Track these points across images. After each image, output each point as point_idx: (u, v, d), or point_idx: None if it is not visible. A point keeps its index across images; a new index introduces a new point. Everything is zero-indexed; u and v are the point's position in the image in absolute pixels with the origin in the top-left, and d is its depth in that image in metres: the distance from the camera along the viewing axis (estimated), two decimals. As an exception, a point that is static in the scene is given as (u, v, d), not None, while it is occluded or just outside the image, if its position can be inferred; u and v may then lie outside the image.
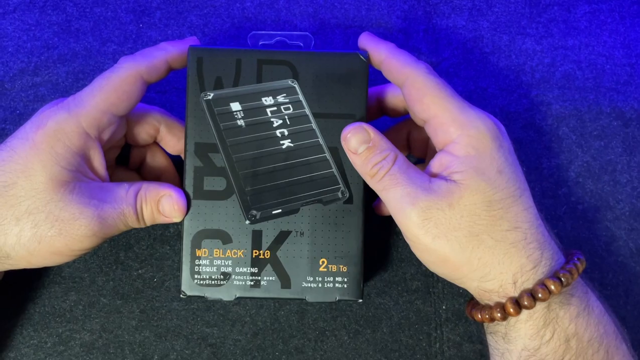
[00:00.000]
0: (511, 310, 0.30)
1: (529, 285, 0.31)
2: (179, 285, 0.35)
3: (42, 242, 0.32)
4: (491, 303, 0.32)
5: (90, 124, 0.33)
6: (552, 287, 0.30)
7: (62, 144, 0.32)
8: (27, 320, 0.40)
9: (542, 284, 0.30)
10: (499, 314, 0.31)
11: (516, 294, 0.31)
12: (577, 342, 0.31)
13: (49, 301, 0.40)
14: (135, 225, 0.35)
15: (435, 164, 0.32)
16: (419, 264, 0.41)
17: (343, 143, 0.34)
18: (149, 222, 0.35)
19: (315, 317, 0.41)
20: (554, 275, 0.31)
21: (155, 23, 0.45)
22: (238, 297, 0.35)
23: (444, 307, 0.41)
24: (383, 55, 0.35)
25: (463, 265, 0.31)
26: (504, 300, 0.31)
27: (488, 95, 0.44)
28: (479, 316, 0.32)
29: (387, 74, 0.35)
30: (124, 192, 0.34)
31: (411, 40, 0.44)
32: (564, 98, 0.43)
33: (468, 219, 0.30)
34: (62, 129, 0.33)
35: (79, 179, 0.33)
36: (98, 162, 0.34)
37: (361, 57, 0.36)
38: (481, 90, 0.43)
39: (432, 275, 0.41)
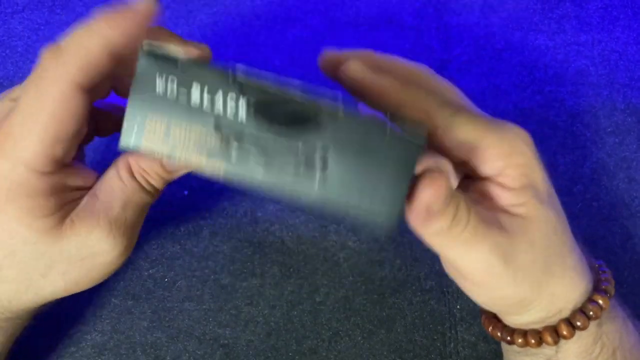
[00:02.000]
0: (565, 333, 0.28)
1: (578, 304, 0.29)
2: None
3: (80, 283, 0.29)
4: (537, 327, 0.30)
5: (43, 162, 0.26)
6: (601, 302, 0.28)
7: (25, 197, 0.26)
8: (38, 321, 0.40)
9: (592, 300, 0.29)
10: (550, 338, 0.29)
11: (567, 315, 0.29)
12: (621, 352, 0.30)
13: (59, 302, 0.40)
14: (152, 200, 0.30)
15: (486, 198, 0.29)
16: (432, 263, 0.41)
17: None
18: (163, 187, 0.30)
19: (329, 317, 0.40)
20: (601, 289, 0.29)
21: (164, 21, 0.44)
22: None
23: (458, 306, 0.40)
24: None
25: (534, 301, 0.28)
26: (553, 323, 0.29)
27: (501, 92, 0.43)
28: (521, 340, 0.30)
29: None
30: (117, 181, 0.28)
31: (423, 37, 0.44)
32: (578, 94, 0.43)
33: (543, 253, 0.28)
34: (16, 183, 0.26)
35: (70, 208, 0.28)
36: (77, 179, 0.28)
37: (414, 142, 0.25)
38: (494, 87, 0.43)
39: (446, 275, 0.41)
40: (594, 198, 0.42)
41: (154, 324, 0.40)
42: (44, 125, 0.25)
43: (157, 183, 0.29)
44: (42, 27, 0.44)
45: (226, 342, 0.40)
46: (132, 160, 0.28)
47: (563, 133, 0.42)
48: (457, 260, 0.28)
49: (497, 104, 0.43)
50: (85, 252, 0.27)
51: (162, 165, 0.28)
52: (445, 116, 0.27)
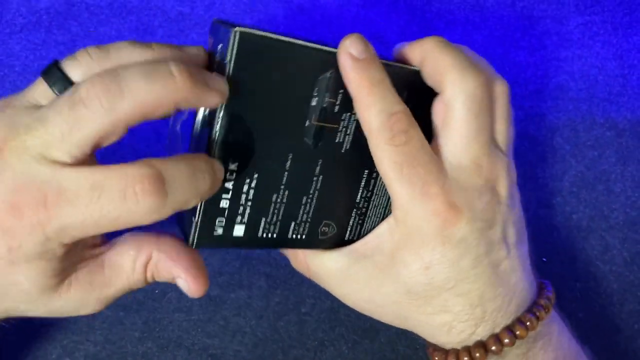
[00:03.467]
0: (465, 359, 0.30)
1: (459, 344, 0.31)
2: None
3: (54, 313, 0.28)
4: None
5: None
6: (477, 355, 0.29)
7: (44, 260, 0.25)
8: (32, 332, 0.41)
9: (466, 348, 0.30)
10: (436, 358, 0.32)
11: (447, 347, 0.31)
12: None
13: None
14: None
15: (379, 230, 0.31)
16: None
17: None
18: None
19: (315, 328, 0.41)
20: (482, 343, 0.30)
21: (157, 41, 0.46)
22: None
23: (441, 316, 0.42)
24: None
25: (414, 328, 0.32)
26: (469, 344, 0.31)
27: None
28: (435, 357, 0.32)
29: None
30: (129, 263, 0.27)
31: (406, 54, 0.45)
32: (558, 109, 0.44)
33: (393, 306, 0.31)
34: (42, 250, 0.24)
35: (75, 266, 0.27)
36: (91, 239, 0.27)
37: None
38: (476, 103, 0.44)
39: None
40: (574, 210, 0.43)
41: (145, 335, 0.41)
42: None
43: (162, 279, 0.28)
44: (39, 47, 0.45)
45: (214, 352, 0.41)
46: (156, 256, 0.27)
47: (543, 147, 0.43)
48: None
49: (478, 119, 0.44)
50: (66, 309, 0.27)
51: (187, 271, 0.28)
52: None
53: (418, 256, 0.29)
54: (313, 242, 0.31)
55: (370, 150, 0.28)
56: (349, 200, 0.31)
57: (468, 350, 0.30)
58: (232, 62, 0.25)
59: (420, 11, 0.46)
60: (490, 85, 0.30)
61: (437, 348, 0.32)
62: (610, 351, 0.38)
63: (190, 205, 0.24)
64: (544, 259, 0.42)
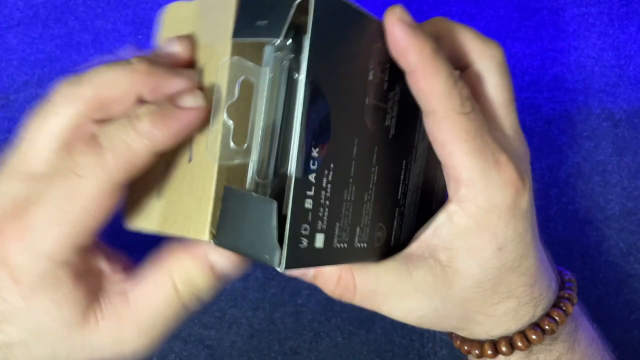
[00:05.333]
0: (489, 352, 0.29)
1: (510, 332, 0.29)
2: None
3: None
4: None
5: (66, 252, 0.23)
6: (534, 337, 0.28)
7: (49, 288, 0.24)
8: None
9: (523, 332, 0.28)
10: (476, 351, 0.29)
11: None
12: None
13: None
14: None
15: (437, 223, 0.27)
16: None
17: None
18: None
19: (310, 319, 0.41)
20: (538, 325, 0.28)
21: (153, 34, 0.46)
22: None
23: (437, 308, 0.42)
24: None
25: (452, 328, 0.30)
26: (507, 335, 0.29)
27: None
28: (465, 348, 0.30)
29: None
30: (154, 288, 0.25)
31: (402, 46, 0.45)
32: (554, 100, 0.44)
33: (460, 307, 0.28)
34: (38, 276, 0.23)
35: (96, 293, 0.25)
36: (102, 262, 0.26)
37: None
38: (472, 94, 0.44)
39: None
40: (570, 202, 0.43)
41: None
42: (74, 221, 0.23)
43: (201, 284, 0.26)
44: (36, 41, 0.46)
45: (211, 343, 0.41)
46: (177, 266, 0.25)
47: (539, 138, 0.43)
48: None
49: (474, 111, 0.44)
50: (105, 346, 0.25)
51: (213, 269, 0.25)
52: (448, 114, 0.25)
53: (492, 236, 0.26)
54: (370, 251, 0.27)
55: (433, 124, 0.25)
56: (393, 197, 0.28)
57: (523, 333, 0.28)
58: (311, 25, 0.21)
59: (416, 3, 0.46)
60: None
61: (476, 340, 0.30)
62: (607, 341, 0.38)
63: (140, 151, 0.23)
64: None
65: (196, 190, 0.24)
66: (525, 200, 0.26)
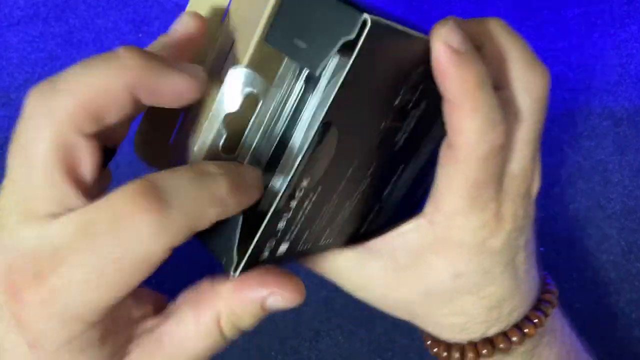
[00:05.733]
0: (443, 354, 0.29)
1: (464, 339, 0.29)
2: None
3: None
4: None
5: (95, 314, 0.19)
6: (484, 352, 0.28)
7: (77, 352, 0.20)
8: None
9: (474, 344, 0.28)
10: (434, 349, 0.30)
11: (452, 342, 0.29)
12: None
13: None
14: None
15: (405, 228, 0.27)
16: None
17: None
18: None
19: (311, 318, 0.41)
20: (491, 341, 0.28)
21: (154, 33, 0.46)
22: None
23: (438, 307, 0.42)
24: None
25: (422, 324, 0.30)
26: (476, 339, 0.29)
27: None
28: (428, 343, 0.31)
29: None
30: (192, 327, 0.21)
31: (403, 44, 0.45)
32: (555, 99, 0.44)
33: (405, 305, 0.28)
34: (66, 340, 0.19)
35: (129, 344, 0.22)
36: (135, 309, 0.22)
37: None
38: (473, 93, 0.44)
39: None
40: (571, 200, 0.43)
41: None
42: (113, 284, 0.18)
43: (249, 323, 0.22)
44: (37, 39, 0.46)
45: (211, 341, 0.41)
46: (224, 306, 0.21)
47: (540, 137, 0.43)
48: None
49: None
50: None
51: (264, 308, 0.22)
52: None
53: (451, 264, 0.26)
54: (337, 242, 0.27)
55: (448, 157, 0.24)
56: (377, 198, 0.28)
57: (474, 346, 0.28)
58: (357, 52, 0.18)
59: (417, 1, 0.46)
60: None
61: (436, 340, 0.31)
62: (608, 340, 0.38)
63: (208, 219, 0.19)
64: (542, 249, 0.41)
65: None
66: (499, 241, 0.26)
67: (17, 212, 0.19)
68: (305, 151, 0.20)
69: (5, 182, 0.19)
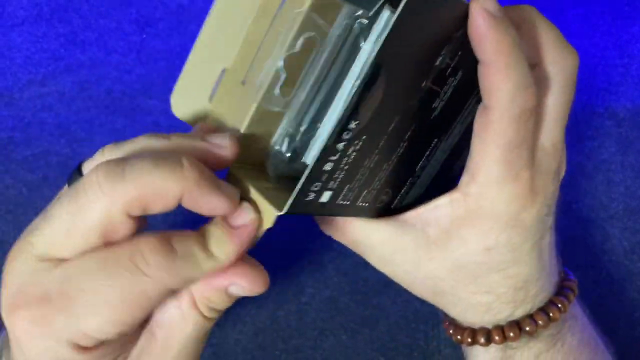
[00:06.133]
0: (468, 340, 0.30)
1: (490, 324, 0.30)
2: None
3: None
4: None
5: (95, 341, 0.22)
6: (511, 334, 0.29)
7: None
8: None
9: (501, 328, 0.29)
10: (458, 337, 0.30)
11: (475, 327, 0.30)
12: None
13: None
14: (213, 323, 0.26)
15: (439, 202, 0.28)
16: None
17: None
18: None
19: (314, 317, 0.41)
20: (518, 324, 0.29)
21: (158, 33, 0.46)
22: None
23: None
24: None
25: (446, 304, 0.31)
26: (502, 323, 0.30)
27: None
28: (451, 332, 0.32)
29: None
30: (175, 312, 0.24)
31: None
32: (558, 99, 0.44)
33: (432, 280, 0.29)
34: None
35: (124, 352, 0.24)
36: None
37: None
38: (475, 93, 0.44)
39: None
40: (573, 200, 0.43)
41: (146, 324, 0.42)
42: (121, 317, 0.21)
43: (221, 306, 0.25)
44: (41, 40, 0.46)
45: (215, 341, 0.41)
46: (196, 291, 0.24)
47: (543, 137, 0.44)
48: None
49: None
50: None
51: (228, 294, 0.24)
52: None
53: (483, 236, 0.27)
54: (370, 210, 0.28)
55: (483, 118, 0.25)
56: (411, 169, 0.29)
57: (501, 329, 0.29)
58: (402, 6, 0.20)
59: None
60: None
61: (459, 326, 0.30)
62: (610, 340, 0.38)
63: (199, 270, 0.22)
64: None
65: (236, 112, 0.25)
66: (531, 215, 0.27)
67: (41, 251, 0.22)
68: (356, 89, 0.21)
69: (44, 221, 0.22)
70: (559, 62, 0.27)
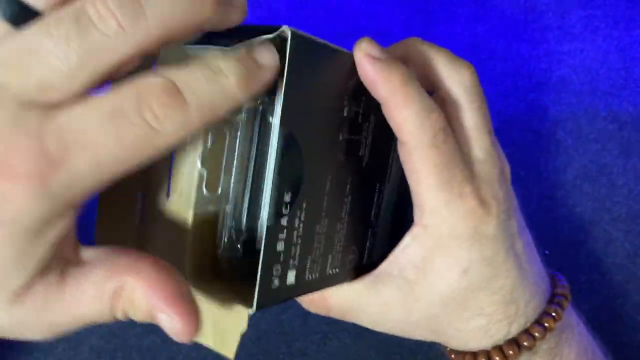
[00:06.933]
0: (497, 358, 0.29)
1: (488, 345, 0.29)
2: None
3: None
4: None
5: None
6: (510, 352, 0.28)
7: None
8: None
9: (500, 347, 0.29)
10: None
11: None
12: None
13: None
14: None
15: (404, 243, 0.28)
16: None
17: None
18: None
19: (318, 320, 0.41)
20: (516, 341, 0.29)
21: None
22: None
23: (444, 309, 0.42)
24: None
25: (441, 338, 0.30)
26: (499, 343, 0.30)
27: (486, 100, 0.44)
28: (452, 357, 0.31)
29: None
30: (94, 287, 0.20)
31: (409, 48, 0.45)
32: (560, 102, 0.44)
33: (428, 321, 0.29)
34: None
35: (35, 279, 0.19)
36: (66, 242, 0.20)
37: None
38: (478, 96, 0.44)
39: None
40: (576, 203, 0.43)
41: (149, 328, 0.41)
42: (115, 167, 0.18)
43: (138, 315, 0.21)
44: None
45: (219, 345, 0.41)
46: (132, 283, 0.20)
47: (546, 140, 0.44)
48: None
49: (481, 112, 0.44)
50: (10, 325, 0.19)
51: (152, 315, 0.20)
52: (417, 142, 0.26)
53: (455, 260, 0.27)
54: (342, 275, 0.28)
55: (404, 154, 0.26)
56: (366, 220, 0.29)
57: (500, 348, 0.29)
58: (287, 65, 0.21)
59: (423, 4, 0.46)
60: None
61: (461, 352, 0.30)
62: (613, 343, 0.38)
63: (221, 111, 0.19)
64: (547, 252, 0.42)
65: (174, 238, 0.23)
66: (492, 225, 0.27)
67: (29, 90, 0.17)
68: (276, 162, 0.21)
69: (30, 56, 0.17)
70: (455, 78, 0.27)
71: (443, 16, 0.46)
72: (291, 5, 0.47)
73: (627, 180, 0.43)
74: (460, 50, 0.45)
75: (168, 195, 0.23)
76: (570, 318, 0.31)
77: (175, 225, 0.23)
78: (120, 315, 0.20)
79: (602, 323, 0.40)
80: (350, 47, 0.48)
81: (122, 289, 0.20)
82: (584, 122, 0.44)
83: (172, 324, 0.20)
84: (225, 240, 0.24)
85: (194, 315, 0.20)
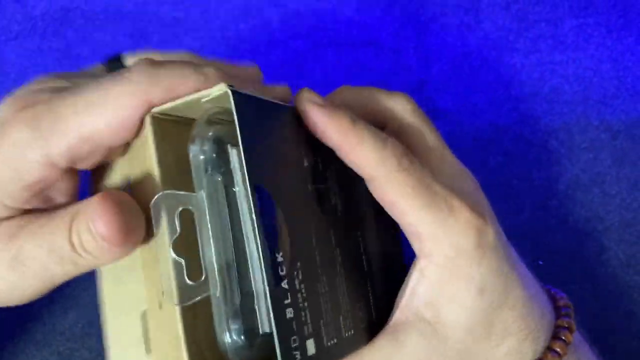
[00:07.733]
0: None
1: None
2: None
3: None
4: None
5: (61, 153, 0.23)
6: None
7: (11, 173, 0.23)
8: (30, 338, 0.41)
9: None
10: None
11: None
12: None
13: (50, 319, 0.41)
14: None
15: (411, 283, 0.27)
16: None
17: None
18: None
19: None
20: None
21: (152, 47, 0.46)
22: None
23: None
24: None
25: None
26: None
27: (478, 109, 0.44)
28: None
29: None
30: (59, 224, 0.24)
31: (402, 58, 0.45)
32: (553, 111, 0.44)
33: (454, 353, 0.27)
34: (19, 155, 0.23)
35: (23, 217, 0.25)
36: (58, 192, 0.25)
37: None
38: (471, 105, 0.44)
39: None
40: (569, 213, 0.43)
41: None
42: (93, 117, 0.23)
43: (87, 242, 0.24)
44: (35, 54, 0.45)
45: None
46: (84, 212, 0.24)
47: (538, 149, 0.44)
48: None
49: (473, 121, 0.44)
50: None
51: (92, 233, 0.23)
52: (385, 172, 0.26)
53: (468, 281, 0.26)
54: (358, 336, 0.26)
55: (378, 190, 0.25)
56: (361, 272, 0.27)
57: None
58: (239, 130, 0.21)
59: (414, 15, 0.46)
60: None
61: None
62: (607, 353, 0.38)
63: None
64: (540, 262, 0.42)
65: (171, 340, 0.23)
66: (491, 234, 0.26)
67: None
68: (256, 222, 0.21)
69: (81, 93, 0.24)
70: (401, 107, 0.28)
71: (434, 26, 0.46)
72: (284, 16, 0.47)
73: (620, 189, 0.43)
74: (451, 60, 0.45)
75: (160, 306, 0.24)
76: (575, 334, 0.30)
77: (171, 333, 0.23)
78: (77, 247, 0.24)
79: (595, 333, 0.39)
80: (346, 57, 0.48)
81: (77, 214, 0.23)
82: (576, 131, 0.44)
83: (94, 229, 0.23)
84: (225, 335, 0.22)
85: (118, 216, 0.22)
